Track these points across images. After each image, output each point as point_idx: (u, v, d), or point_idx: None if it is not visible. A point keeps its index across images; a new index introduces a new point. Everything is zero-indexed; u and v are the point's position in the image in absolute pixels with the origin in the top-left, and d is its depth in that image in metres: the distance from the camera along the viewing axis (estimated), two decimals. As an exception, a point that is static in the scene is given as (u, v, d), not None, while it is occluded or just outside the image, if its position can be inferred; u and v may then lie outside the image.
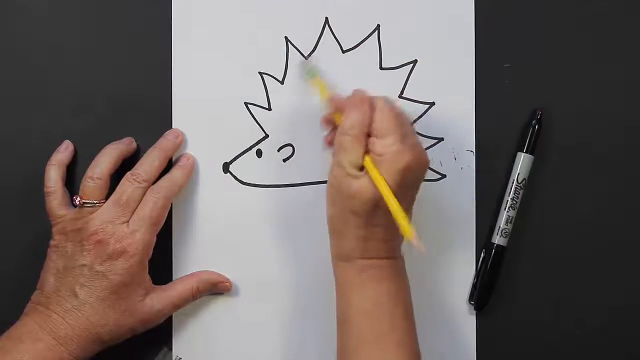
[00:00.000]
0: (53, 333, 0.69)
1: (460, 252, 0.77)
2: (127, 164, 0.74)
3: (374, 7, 0.76)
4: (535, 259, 0.78)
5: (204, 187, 0.76)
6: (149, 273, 0.72)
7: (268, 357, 0.77)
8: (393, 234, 0.68)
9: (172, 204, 0.74)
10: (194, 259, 0.77)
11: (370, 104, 0.67)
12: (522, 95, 0.77)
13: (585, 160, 0.77)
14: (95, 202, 0.71)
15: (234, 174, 0.76)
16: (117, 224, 0.71)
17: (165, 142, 0.75)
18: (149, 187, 0.72)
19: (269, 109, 0.76)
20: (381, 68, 0.77)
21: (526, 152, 0.76)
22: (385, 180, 0.65)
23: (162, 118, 0.76)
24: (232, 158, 0.76)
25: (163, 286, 0.74)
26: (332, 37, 0.76)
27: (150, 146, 0.75)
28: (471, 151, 0.77)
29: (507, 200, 0.76)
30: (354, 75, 0.76)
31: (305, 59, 0.76)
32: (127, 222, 0.71)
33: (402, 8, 0.77)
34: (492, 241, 0.77)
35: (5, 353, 0.68)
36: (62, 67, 0.76)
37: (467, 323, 0.77)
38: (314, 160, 0.77)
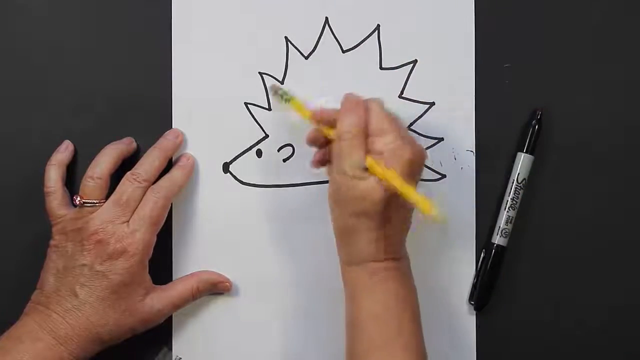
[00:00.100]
0: (53, 333, 0.69)
1: (460, 252, 0.77)
2: (127, 164, 0.74)
3: (374, 7, 0.76)
4: (535, 259, 0.78)
5: (204, 187, 0.76)
6: (149, 273, 0.72)
7: (268, 357, 0.77)
8: (403, 231, 0.68)
9: (172, 204, 0.74)
10: (194, 259, 0.77)
11: (364, 106, 0.67)
12: (522, 95, 0.77)
13: (585, 160, 0.77)
14: (95, 201, 0.72)
15: (234, 174, 0.76)
16: (117, 223, 0.71)
17: (165, 142, 0.75)
18: (149, 187, 0.73)
19: (269, 109, 0.76)
20: (381, 68, 0.77)
21: (526, 152, 0.76)
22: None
23: (162, 118, 0.76)
24: (232, 158, 0.76)
25: (163, 286, 0.74)
26: (332, 37, 0.76)
27: (150, 146, 0.75)
28: (471, 151, 0.77)
29: (507, 200, 0.76)
30: (354, 75, 0.77)
31: (306, 58, 0.76)
32: (127, 221, 0.71)
33: (402, 8, 0.77)
34: (492, 241, 0.77)
35: (5, 353, 0.68)
36: (62, 67, 0.76)
37: (467, 323, 0.77)
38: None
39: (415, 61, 0.77)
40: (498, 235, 0.76)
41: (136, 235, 0.71)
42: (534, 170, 0.76)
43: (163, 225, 0.73)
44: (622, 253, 0.78)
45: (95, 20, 0.76)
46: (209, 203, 0.76)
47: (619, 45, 0.77)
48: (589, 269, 0.78)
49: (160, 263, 0.74)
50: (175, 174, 0.74)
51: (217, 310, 0.77)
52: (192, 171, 0.76)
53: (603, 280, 0.78)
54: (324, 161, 0.71)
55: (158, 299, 0.72)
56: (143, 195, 0.72)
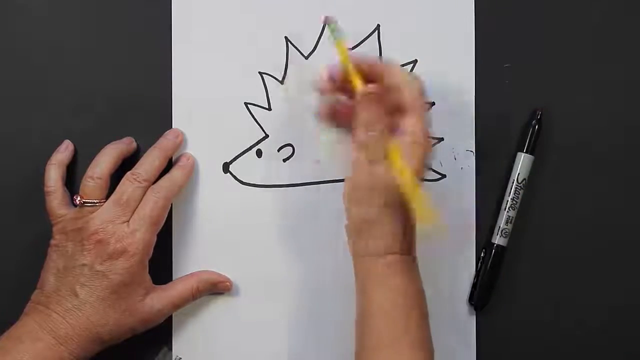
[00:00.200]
0: (53, 332, 0.69)
1: (460, 252, 0.77)
2: (127, 164, 0.74)
3: (374, 7, 0.77)
4: (535, 259, 0.78)
5: (204, 187, 0.76)
6: (149, 273, 0.72)
7: (268, 357, 0.77)
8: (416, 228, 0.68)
9: (172, 204, 0.74)
10: (194, 259, 0.77)
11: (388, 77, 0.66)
12: (522, 95, 0.77)
13: (585, 160, 0.77)
14: (95, 201, 0.72)
15: (234, 174, 0.76)
16: (118, 223, 0.71)
17: (165, 142, 0.75)
18: (149, 186, 0.73)
19: (269, 109, 0.76)
20: (381, 68, 0.77)
21: (526, 152, 0.76)
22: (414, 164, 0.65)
23: (162, 118, 0.76)
24: (232, 158, 0.76)
25: (163, 286, 0.74)
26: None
27: (150, 146, 0.75)
28: (471, 151, 0.77)
29: (507, 200, 0.76)
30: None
31: (306, 58, 0.76)
32: (128, 221, 0.71)
33: (402, 8, 0.77)
34: (492, 241, 0.77)
35: (5, 353, 0.68)
36: (62, 67, 0.76)
37: (467, 323, 0.77)
38: (314, 160, 0.76)
39: (415, 61, 0.77)
40: (498, 235, 0.76)
41: (136, 235, 0.71)
42: (534, 170, 0.77)
43: (163, 225, 0.73)
44: (622, 253, 0.78)
45: (95, 20, 0.76)
46: (209, 203, 0.76)
47: (619, 45, 0.77)
48: (589, 269, 0.78)
49: (160, 263, 0.74)
50: (175, 174, 0.74)
51: (217, 310, 0.77)
52: (192, 171, 0.76)
53: (603, 280, 0.78)
54: (332, 114, 0.70)
55: (158, 299, 0.72)
56: (143, 195, 0.72)
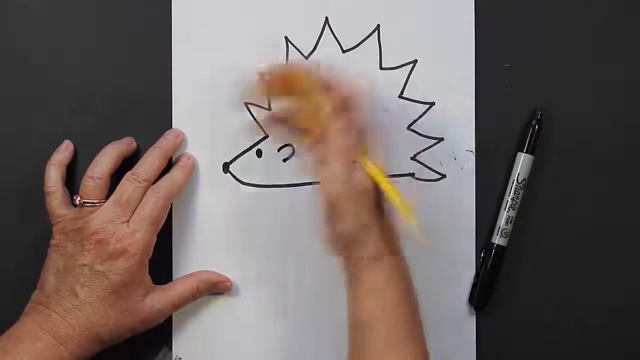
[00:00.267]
0: (53, 332, 0.68)
1: (460, 252, 0.77)
2: (127, 164, 0.74)
3: (374, 7, 0.76)
4: (535, 259, 0.78)
5: (204, 187, 0.76)
6: (149, 273, 0.72)
7: (268, 357, 0.77)
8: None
9: (172, 204, 0.74)
10: (194, 259, 0.77)
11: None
12: (522, 95, 0.77)
13: (585, 160, 0.77)
14: (95, 201, 0.71)
15: (234, 174, 0.76)
16: (118, 223, 0.71)
17: (165, 142, 0.75)
18: (149, 186, 0.72)
19: (269, 109, 0.76)
20: (381, 68, 0.77)
21: (526, 152, 0.76)
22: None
23: (162, 118, 0.76)
24: (232, 158, 0.76)
25: (163, 286, 0.74)
26: (332, 37, 0.76)
27: (150, 146, 0.75)
28: (471, 151, 0.77)
29: (507, 200, 0.76)
30: (354, 75, 0.76)
31: (306, 58, 0.76)
32: (128, 221, 0.71)
33: (402, 8, 0.77)
34: (492, 241, 0.77)
35: (5, 353, 0.68)
36: (62, 67, 0.76)
37: (467, 323, 0.77)
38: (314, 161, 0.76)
39: (415, 61, 0.77)
40: (498, 235, 0.76)
41: (136, 235, 0.71)
42: (534, 170, 0.77)
43: (163, 225, 0.73)
44: (622, 253, 0.78)
45: (95, 20, 0.76)
46: (209, 203, 0.76)
47: (619, 45, 0.77)
48: (589, 269, 0.78)
49: (160, 263, 0.74)
50: (175, 174, 0.74)
51: (217, 310, 0.77)
52: (192, 171, 0.76)
53: (603, 280, 0.78)
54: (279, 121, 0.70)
55: (158, 299, 0.72)
56: (143, 195, 0.72)
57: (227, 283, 0.76)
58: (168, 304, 0.73)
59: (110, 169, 0.73)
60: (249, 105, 0.76)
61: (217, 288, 0.76)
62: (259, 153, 0.77)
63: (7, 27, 0.76)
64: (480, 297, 0.77)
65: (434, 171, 0.77)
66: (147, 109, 0.76)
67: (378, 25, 0.76)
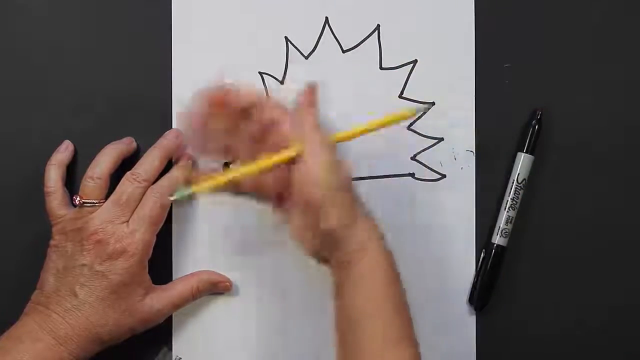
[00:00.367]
0: (53, 333, 0.69)
1: (460, 252, 0.77)
2: (127, 164, 0.74)
3: (374, 7, 0.76)
4: (535, 259, 0.78)
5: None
6: (149, 273, 0.72)
7: (268, 357, 0.77)
8: None
9: (172, 204, 0.74)
10: (194, 259, 0.77)
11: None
12: (522, 95, 0.77)
13: (585, 160, 0.77)
14: (95, 201, 0.71)
15: (234, 174, 0.76)
16: (117, 223, 0.71)
17: (165, 142, 0.75)
18: (148, 186, 0.72)
19: (269, 109, 0.76)
20: (381, 68, 0.77)
21: (526, 152, 0.76)
22: None
23: (162, 118, 0.76)
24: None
25: (163, 286, 0.74)
26: (332, 37, 0.76)
27: (150, 146, 0.74)
28: (471, 151, 0.77)
29: (507, 200, 0.76)
30: (354, 75, 0.77)
31: (306, 58, 0.76)
32: (127, 221, 0.71)
33: (402, 8, 0.77)
34: (492, 241, 0.77)
35: (5, 353, 0.68)
36: (62, 67, 0.76)
37: (467, 323, 0.77)
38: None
39: (415, 61, 0.77)
40: (498, 235, 0.76)
41: (136, 235, 0.71)
42: (534, 170, 0.76)
43: (163, 225, 0.73)
44: (622, 253, 0.78)
45: (95, 20, 0.76)
46: (209, 203, 0.76)
47: (619, 45, 0.77)
48: (589, 269, 0.78)
49: (160, 263, 0.74)
50: (175, 174, 0.74)
51: (217, 310, 0.77)
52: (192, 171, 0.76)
53: (603, 280, 0.78)
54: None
55: (158, 299, 0.72)
56: (143, 195, 0.72)
57: (227, 283, 0.76)
58: (168, 304, 0.73)
59: (110, 169, 0.73)
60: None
61: (217, 288, 0.76)
62: (259, 153, 0.76)
63: (7, 27, 0.76)
64: (480, 297, 0.77)
65: (434, 171, 0.77)
66: (147, 109, 0.76)
67: (378, 25, 0.76)
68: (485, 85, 0.77)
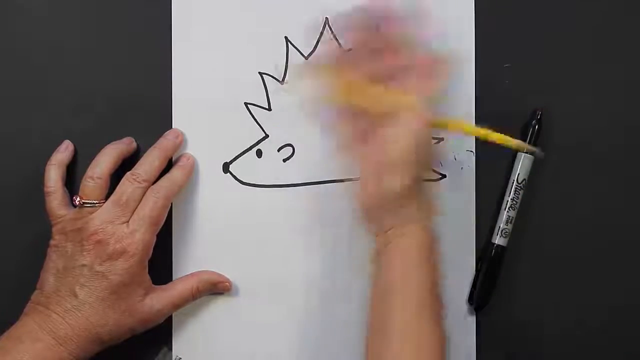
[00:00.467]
0: (53, 333, 0.69)
1: (460, 252, 0.77)
2: (127, 164, 0.74)
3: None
4: (535, 259, 0.78)
5: (204, 187, 0.76)
6: (149, 273, 0.72)
7: (268, 358, 0.77)
8: None
9: (172, 204, 0.74)
10: (194, 259, 0.77)
11: None
12: (522, 95, 0.77)
13: (585, 160, 0.77)
14: (95, 202, 0.72)
15: (234, 174, 0.76)
16: (117, 224, 0.71)
17: (165, 142, 0.75)
18: (149, 187, 0.72)
19: (269, 109, 0.76)
20: (381, 68, 0.77)
21: (526, 152, 0.76)
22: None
23: (162, 118, 0.76)
24: (232, 158, 0.76)
25: (163, 286, 0.74)
26: (332, 37, 0.76)
27: (150, 146, 0.75)
28: (471, 151, 0.77)
29: (507, 200, 0.76)
30: (353, 75, 0.76)
31: (306, 58, 0.76)
32: (127, 222, 0.71)
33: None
34: (492, 241, 0.77)
35: (5, 353, 0.68)
36: (62, 67, 0.76)
37: (467, 323, 0.77)
38: (314, 160, 0.77)
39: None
40: (498, 235, 0.76)
41: (136, 235, 0.71)
42: (534, 170, 0.76)
43: (163, 225, 0.73)
44: (622, 253, 0.78)
45: (95, 20, 0.76)
46: (209, 203, 0.76)
47: (619, 45, 0.77)
48: (589, 269, 0.78)
49: (160, 263, 0.74)
50: (175, 174, 0.74)
51: (217, 310, 0.77)
52: (192, 171, 0.76)
53: (603, 280, 0.78)
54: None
55: (158, 299, 0.73)
56: (143, 196, 0.72)
57: (227, 283, 0.76)
58: (168, 304, 0.73)
59: (110, 169, 0.73)
60: (249, 105, 0.76)
61: (217, 288, 0.76)
62: (259, 153, 0.77)
63: (7, 27, 0.76)
64: (480, 297, 0.77)
65: (434, 171, 0.77)
66: (147, 109, 0.76)
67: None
68: (485, 85, 0.76)
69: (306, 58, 0.76)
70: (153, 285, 0.73)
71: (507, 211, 0.76)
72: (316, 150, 0.76)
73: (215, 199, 0.76)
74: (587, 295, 0.77)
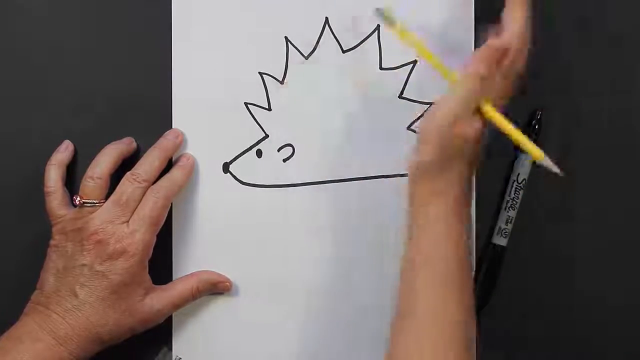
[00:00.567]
0: (53, 333, 0.69)
1: (460, 252, 0.77)
2: (127, 164, 0.74)
3: (374, 7, 0.76)
4: (535, 259, 0.78)
5: (204, 187, 0.76)
6: (149, 273, 0.72)
7: (268, 358, 0.77)
8: None
9: (172, 204, 0.74)
10: (194, 259, 0.77)
11: None
12: (522, 95, 0.77)
13: (585, 160, 0.77)
14: (95, 201, 0.72)
15: (234, 174, 0.76)
16: (117, 223, 0.71)
17: (165, 142, 0.75)
18: (149, 187, 0.72)
19: (269, 109, 0.76)
20: (381, 68, 0.77)
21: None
22: None
23: (162, 118, 0.76)
24: (232, 158, 0.76)
25: (163, 286, 0.74)
26: (332, 37, 0.76)
27: (150, 146, 0.75)
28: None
29: (507, 200, 0.76)
30: (354, 75, 0.76)
31: (306, 58, 0.76)
32: (127, 222, 0.71)
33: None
34: (492, 241, 0.77)
35: (5, 353, 0.68)
36: (62, 67, 0.76)
37: (467, 323, 0.77)
38: (314, 160, 0.77)
39: (415, 61, 0.77)
40: (498, 235, 0.76)
41: (136, 235, 0.71)
42: (534, 170, 0.76)
43: (163, 225, 0.73)
44: (622, 253, 0.78)
45: (95, 20, 0.76)
46: (209, 203, 0.76)
47: (619, 45, 0.77)
48: (589, 269, 0.78)
49: (160, 263, 0.74)
50: (175, 174, 0.74)
51: (217, 310, 0.77)
52: (192, 171, 0.76)
53: (603, 280, 0.78)
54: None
55: (158, 299, 0.73)
56: (143, 196, 0.72)
57: (227, 283, 0.76)
58: (168, 304, 0.73)
59: (110, 169, 0.73)
60: (249, 105, 0.76)
61: (217, 288, 0.76)
62: (259, 153, 0.77)
63: (7, 27, 0.76)
64: (480, 297, 0.76)
65: (434, 171, 0.77)
66: (147, 109, 0.76)
67: (378, 26, 0.76)
68: (485, 85, 0.76)
69: (306, 58, 0.76)
70: (153, 285, 0.73)
71: (507, 211, 0.76)
72: (316, 150, 0.76)
73: (215, 199, 0.76)
74: (587, 295, 0.77)
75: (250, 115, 0.76)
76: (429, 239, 0.64)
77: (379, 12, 0.70)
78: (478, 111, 0.65)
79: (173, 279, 0.76)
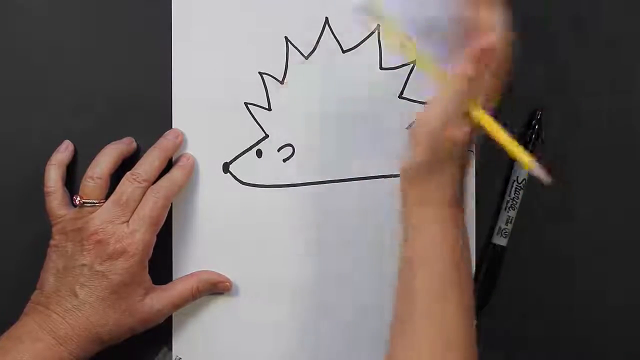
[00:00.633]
0: (53, 333, 0.69)
1: (460, 252, 0.77)
2: (127, 164, 0.74)
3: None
4: (535, 259, 0.78)
5: (204, 187, 0.76)
6: (149, 273, 0.72)
7: (268, 358, 0.77)
8: None
9: (172, 204, 0.74)
10: (194, 259, 0.77)
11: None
12: (522, 95, 0.77)
13: (585, 160, 0.77)
14: (95, 201, 0.72)
15: (234, 174, 0.76)
16: (117, 223, 0.71)
17: (165, 142, 0.75)
18: (149, 187, 0.72)
19: (269, 109, 0.76)
20: (381, 68, 0.77)
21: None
22: None
23: (162, 118, 0.76)
24: (232, 158, 0.76)
25: (163, 286, 0.74)
26: (332, 37, 0.76)
27: (150, 146, 0.75)
28: (471, 151, 0.77)
29: (507, 200, 0.76)
30: (354, 75, 0.76)
31: (306, 58, 0.76)
32: (127, 222, 0.71)
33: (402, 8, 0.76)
34: (492, 241, 0.77)
35: (5, 353, 0.68)
36: (62, 67, 0.76)
37: (467, 323, 0.77)
38: (314, 160, 0.77)
39: (415, 61, 0.77)
40: (498, 235, 0.76)
41: (136, 235, 0.71)
42: (534, 171, 0.76)
43: (163, 225, 0.73)
44: (622, 253, 0.78)
45: (95, 20, 0.76)
46: (209, 203, 0.76)
47: (619, 44, 0.77)
48: (589, 269, 0.78)
49: (160, 263, 0.74)
50: (175, 174, 0.74)
51: (217, 310, 0.77)
52: (192, 171, 0.76)
53: (603, 280, 0.78)
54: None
55: (158, 299, 0.73)
56: (143, 195, 0.72)
57: (227, 283, 0.76)
58: (168, 304, 0.73)
59: (110, 169, 0.73)
60: (249, 105, 0.76)
61: (217, 288, 0.76)
62: (259, 153, 0.77)
63: (7, 27, 0.76)
64: (480, 297, 0.77)
65: (434, 171, 0.77)
66: (147, 109, 0.76)
67: (378, 26, 0.76)
68: (485, 85, 0.76)
69: (306, 58, 0.77)
70: (153, 285, 0.73)
71: (507, 211, 0.76)
72: (316, 150, 0.76)
73: (215, 199, 0.76)
74: (587, 295, 0.77)
75: (250, 115, 0.76)
76: (425, 239, 0.64)
77: (363, 8, 0.69)
78: (467, 115, 0.64)
79: (173, 279, 0.76)
